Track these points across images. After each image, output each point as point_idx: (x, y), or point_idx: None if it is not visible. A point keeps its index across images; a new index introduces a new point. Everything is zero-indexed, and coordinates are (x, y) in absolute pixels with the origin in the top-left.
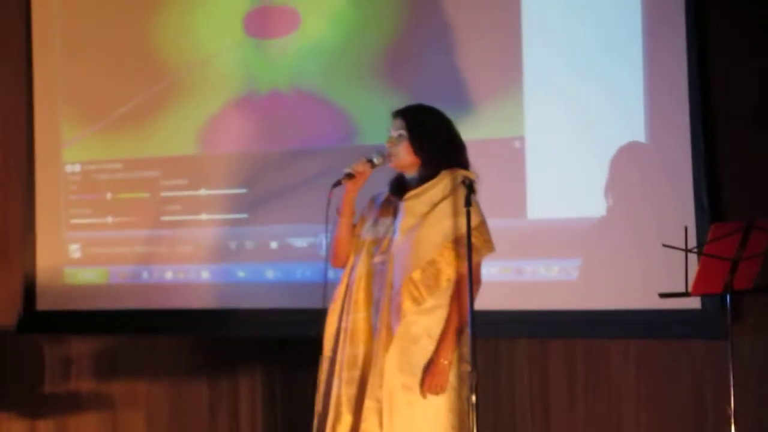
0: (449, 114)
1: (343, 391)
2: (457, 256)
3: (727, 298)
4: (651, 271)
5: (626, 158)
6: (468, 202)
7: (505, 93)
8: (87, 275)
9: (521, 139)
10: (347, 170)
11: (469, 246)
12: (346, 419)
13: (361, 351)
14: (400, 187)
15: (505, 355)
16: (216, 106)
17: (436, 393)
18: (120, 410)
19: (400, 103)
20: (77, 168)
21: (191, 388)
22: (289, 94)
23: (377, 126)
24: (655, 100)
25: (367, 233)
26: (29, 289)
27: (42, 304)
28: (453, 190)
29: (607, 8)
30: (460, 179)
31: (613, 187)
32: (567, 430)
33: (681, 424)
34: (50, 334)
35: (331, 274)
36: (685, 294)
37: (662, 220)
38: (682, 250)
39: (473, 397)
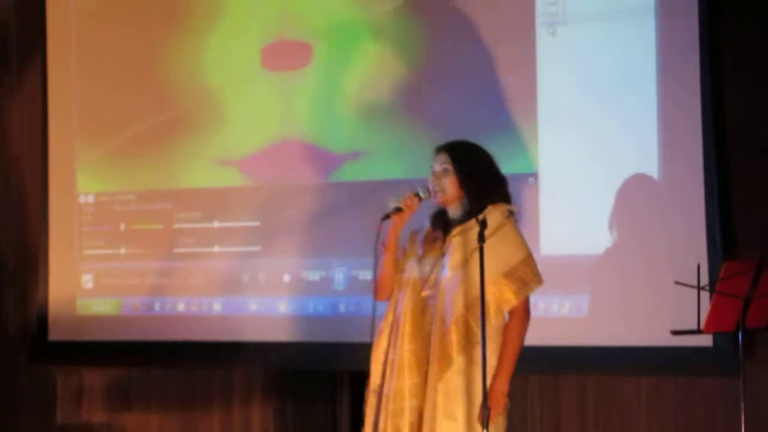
0: None
1: (389, 422)
2: (509, 291)
3: (739, 336)
4: (663, 307)
5: (639, 194)
6: (481, 238)
7: (520, 129)
8: (99, 306)
9: (535, 175)
10: (396, 204)
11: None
12: None
13: (406, 383)
14: (443, 222)
15: (518, 390)
16: (230, 139)
17: (490, 421)
18: None
19: (413, 138)
20: (91, 199)
21: (203, 420)
22: (304, 128)
23: (391, 161)
24: (669, 136)
25: (412, 268)
26: (42, 319)
27: (54, 335)
28: (500, 225)
29: (622, 43)
30: (506, 213)
31: (625, 222)
32: None
33: None
34: (62, 365)
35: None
36: (697, 331)
37: (675, 257)
38: (695, 287)
39: None
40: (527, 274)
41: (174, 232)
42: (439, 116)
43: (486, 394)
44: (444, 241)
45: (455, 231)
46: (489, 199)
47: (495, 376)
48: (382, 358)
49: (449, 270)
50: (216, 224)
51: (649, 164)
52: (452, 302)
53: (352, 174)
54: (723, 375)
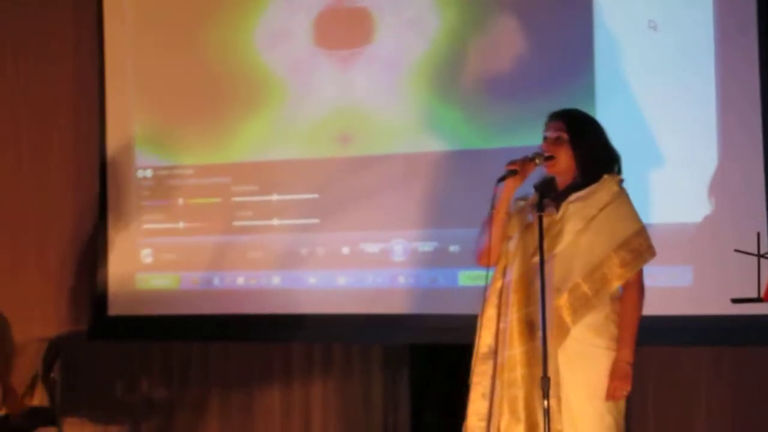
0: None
1: (505, 392)
2: (625, 262)
3: None
4: (725, 277)
5: (699, 164)
6: (540, 208)
7: (578, 102)
8: (158, 281)
9: None
10: (510, 167)
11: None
12: (509, 421)
13: (519, 351)
14: (552, 190)
15: None
16: (287, 112)
17: (621, 397)
18: (192, 416)
19: (473, 110)
20: (149, 173)
21: (263, 394)
22: (361, 100)
23: (448, 133)
24: (728, 105)
25: (521, 235)
26: (101, 295)
27: (113, 310)
28: (616, 195)
29: (679, 15)
30: (621, 184)
31: (687, 193)
32: None
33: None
34: (121, 340)
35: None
36: (758, 299)
37: (736, 227)
38: (755, 255)
39: (545, 402)
40: (642, 245)
41: (232, 205)
42: (496, 88)
43: (546, 366)
44: (557, 209)
45: (572, 197)
46: (601, 169)
47: (619, 348)
48: (489, 325)
49: (566, 237)
50: (275, 197)
51: (708, 134)
52: (568, 270)
53: (410, 146)
54: None
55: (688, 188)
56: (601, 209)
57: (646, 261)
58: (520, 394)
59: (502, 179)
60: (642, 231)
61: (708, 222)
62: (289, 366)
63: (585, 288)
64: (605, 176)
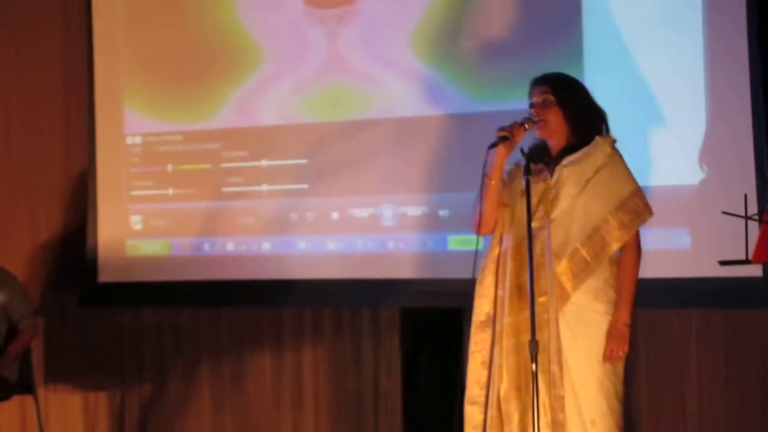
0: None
1: (505, 359)
2: (623, 223)
3: None
4: (713, 239)
5: (690, 127)
6: (527, 172)
7: (566, 66)
8: (149, 247)
9: None
10: (501, 133)
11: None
12: (508, 387)
13: (518, 318)
14: (545, 154)
15: None
16: (276, 78)
17: (618, 358)
18: (183, 381)
19: (463, 74)
20: (138, 140)
21: (254, 359)
22: (349, 64)
23: (438, 96)
24: (716, 69)
25: (516, 202)
26: (91, 262)
27: (104, 277)
28: (610, 156)
29: None
30: (614, 145)
31: (679, 156)
32: (628, 399)
33: (744, 394)
34: (112, 307)
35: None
36: (746, 261)
37: (723, 189)
38: (742, 217)
39: (533, 366)
40: (639, 205)
41: (222, 171)
42: (487, 52)
43: (533, 330)
44: (551, 173)
45: (566, 161)
46: (592, 130)
47: (616, 310)
48: (487, 293)
49: (562, 202)
50: (264, 163)
51: (697, 97)
52: (566, 235)
53: (399, 110)
54: None
55: (680, 151)
56: (596, 172)
57: (644, 221)
58: (520, 359)
59: (492, 146)
60: (638, 191)
61: (703, 185)
62: (280, 331)
63: (584, 252)
64: (598, 138)
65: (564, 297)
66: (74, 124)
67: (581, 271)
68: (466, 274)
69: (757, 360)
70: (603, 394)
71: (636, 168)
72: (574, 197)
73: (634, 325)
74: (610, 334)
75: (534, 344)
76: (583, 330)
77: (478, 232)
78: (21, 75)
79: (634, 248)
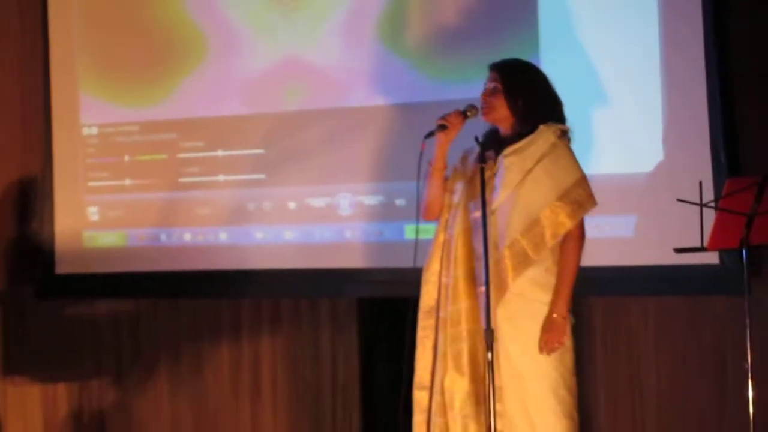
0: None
1: (449, 347)
2: (564, 214)
3: (743, 253)
4: (668, 226)
5: (642, 113)
6: (481, 159)
7: (522, 51)
8: (106, 238)
9: None
10: (439, 122)
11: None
12: (453, 375)
13: (462, 306)
14: (495, 142)
15: None
16: (232, 67)
17: (554, 350)
18: (141, 372)
19: (419, 62)
20: (94, 131)
21: (212, 350)
22: (305, 53)
23: (394, 85)
24: (672, 54)
25: (462, 189)
26: (48, 253)
27: (61, 268)
28: (554, 146)
29: None
30: (558, 133)
31: (629, 143)
32: (586, 386)
33: (701, 380)
34: (69, 299)
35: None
36: (701, 249)
37: (679, 176)
38: (697, 204)
39: (489, 355)
40: (581, 195)
41: (178, 162)
42: (437, 37)
43: (489, 320)
44: (495, 161)
45: (508, 150)
46: (539, 119)
47: (553, 301)
48: (433, 279)
49: (502, 191)
50: (220, 153)
51: (652, 83)
52: (506, 225)
53: (355, 100)
54: (729, 293)
55: (636, 138)
56: (538, 161)
57: (586, 211)
58: (464, 348)
59: (429, 135)
60: (581, 180)
61: (657, 171)
62: (238, 322)
63: (524, 243)
64: (542, 126)
65: (504, 287)
66: (30, 115)
67: (520, 263)
68: (423, 263)
69: (714, 346)
70: (548, 383)
71: (588, 156)
72: (515, 187)
73: (591, 314)
74: (545, 326)
75: (490, 333)
76: (527, 320)
77: (425, 218)
78: None
79: (576, 239)
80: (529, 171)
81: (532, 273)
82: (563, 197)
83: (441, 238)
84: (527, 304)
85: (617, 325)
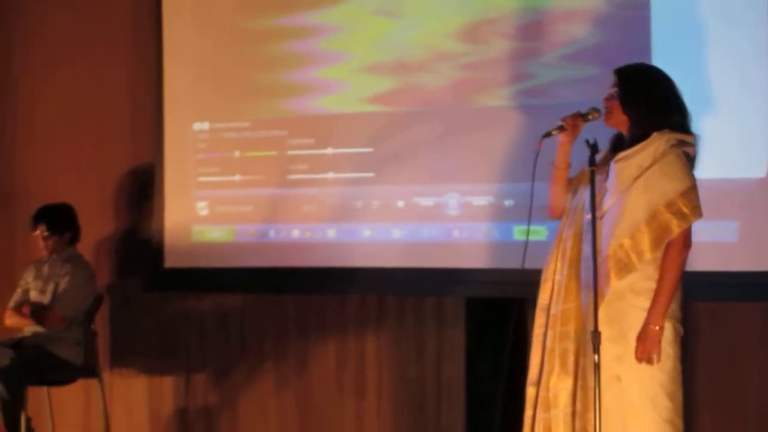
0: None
1: (557, 344)
2: (666, 223)
3: None
4: None
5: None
6: (592, 163)
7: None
8: (214, 233)
9: None
10: (560, 123)
11: (593, 213)
12: (559, 373)
13: (572, 306)
14: (617, 145)
15: None
16: (341, 65)
17: (648, 361)
18: (247, 367)
19: (516, 66)
20: (206, 126)
21: (318, 346)
22: (418, 54)
23: (499, 87)
24: None
25: (582, 191)
26: (157, 247)
27: (170, 262)
28: (663, 154)
29: None
30: (672, 142)
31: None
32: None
33: None
34: (177, 292)
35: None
36: None
37: None
38: None
39: (595, 357)
40: (687, 206)
41: (288, 158)
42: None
43: (597, 322)
44: (607, 166)
45: (619, 156)
46: (653, 126)
47: (650, 310)
48: (550, 277)
49: (610, 195)
50: (330, 151)
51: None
52: (611, 231)
53: (466, 99)
54: None
55: (752, 143)
56: (646, 169)
57: (689, 223)
58: (571, 347)
59: (547, 135)
60: (688, 191)
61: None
62: (344, 318)
63: (627, 250)
64: (655, 134)
65: (602, 292)
66: (141, 111)
67: (621, 269)
68: (531, 264)
69: None
70: (645, 389)
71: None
72: (621, 193)
73: (694, 319)
74: (640, 335)
75: (597, 335)
76: (625, 325)
77: (548, 216)
78: (89, 64)
79: (678, 249)
80: (636, 178)
81: (631, 278)
82: (668, 207)
83: (560, 237)
84: (626, 309)
85: (721, 331)
